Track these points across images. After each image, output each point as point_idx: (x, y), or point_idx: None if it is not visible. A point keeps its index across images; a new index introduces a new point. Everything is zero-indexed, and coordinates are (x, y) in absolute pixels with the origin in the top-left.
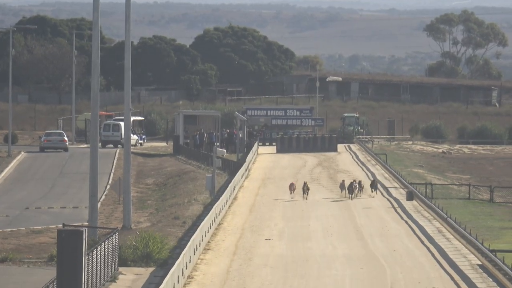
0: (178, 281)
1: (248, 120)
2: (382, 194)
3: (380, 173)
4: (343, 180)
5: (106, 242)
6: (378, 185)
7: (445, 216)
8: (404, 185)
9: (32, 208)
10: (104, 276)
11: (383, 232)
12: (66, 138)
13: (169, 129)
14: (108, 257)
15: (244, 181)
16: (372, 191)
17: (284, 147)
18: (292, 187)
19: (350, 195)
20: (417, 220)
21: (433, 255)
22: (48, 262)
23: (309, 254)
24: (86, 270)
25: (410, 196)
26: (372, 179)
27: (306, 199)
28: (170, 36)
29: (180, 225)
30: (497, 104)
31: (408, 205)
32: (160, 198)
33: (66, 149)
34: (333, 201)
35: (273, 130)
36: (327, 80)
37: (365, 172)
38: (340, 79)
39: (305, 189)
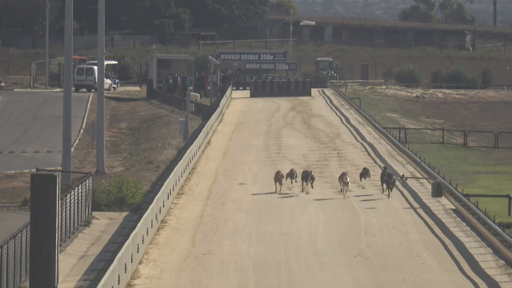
0: (151, 225)
1: (222, 64)
2: (356, 139)
3: (354, 118)
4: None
5: (80, 187)
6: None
7: (419, 160)
8: (429, 175)
9: (5, 153)
10: (78, 221)
11: (357, 177)
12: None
13: (142, 73)
14: (81, 201)
15: (217, 125)
16: (385, 188)
17: (258, 92)
18: (278, 177)
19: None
20: (391, 164)
21: (406, 199)
22: (22, 207)
23: (282, 199)
24: (60, 214)
25: (438, 191)
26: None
27: (307, 193)
28: None
29: (154, 170)
30: (470, 48)
31: (382, 150)
32: (134, 143)
33: None
34: (307, 145)
35: (246, 74)
36: (300, 24)
37: (339, 117)
38: (313, 23)
39: (308, 178)
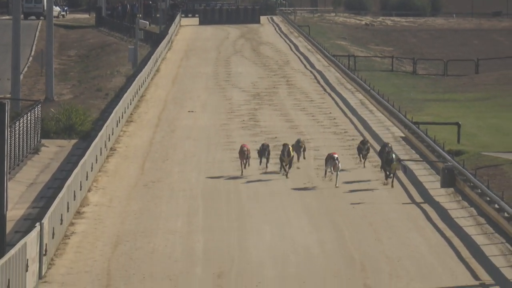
0: (100, 153)
1: None
2: (305, 66)
3: (303, 45)
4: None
5: (29, 114)
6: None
7: (368, 88)
8: (440, 156)
9: None
10: (27, 148)
11: (306, 105)
12: None
13: (91, 0)
14: (30, 129)
15: (166, 53)
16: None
17: (207, 19)
18: (244, 155)
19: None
20: (340, 92)
21: (356, 127)
22: None
23: (232, 127)
24: (9, 142)
25: (450, 179)
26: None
27: (287, 176)
28: None
29: (103, 97)
30: None
31: (331, 77)
32: (83, 70)
33: None
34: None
35: (195, 1)
36: None
37: (288, 44)
38: None
39: (287, 156)
